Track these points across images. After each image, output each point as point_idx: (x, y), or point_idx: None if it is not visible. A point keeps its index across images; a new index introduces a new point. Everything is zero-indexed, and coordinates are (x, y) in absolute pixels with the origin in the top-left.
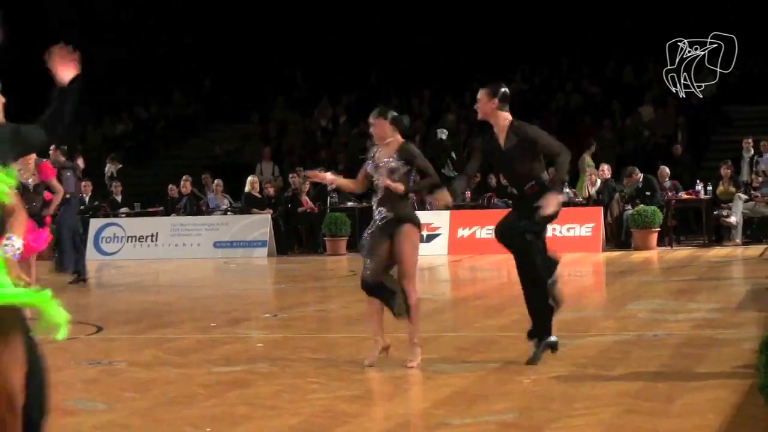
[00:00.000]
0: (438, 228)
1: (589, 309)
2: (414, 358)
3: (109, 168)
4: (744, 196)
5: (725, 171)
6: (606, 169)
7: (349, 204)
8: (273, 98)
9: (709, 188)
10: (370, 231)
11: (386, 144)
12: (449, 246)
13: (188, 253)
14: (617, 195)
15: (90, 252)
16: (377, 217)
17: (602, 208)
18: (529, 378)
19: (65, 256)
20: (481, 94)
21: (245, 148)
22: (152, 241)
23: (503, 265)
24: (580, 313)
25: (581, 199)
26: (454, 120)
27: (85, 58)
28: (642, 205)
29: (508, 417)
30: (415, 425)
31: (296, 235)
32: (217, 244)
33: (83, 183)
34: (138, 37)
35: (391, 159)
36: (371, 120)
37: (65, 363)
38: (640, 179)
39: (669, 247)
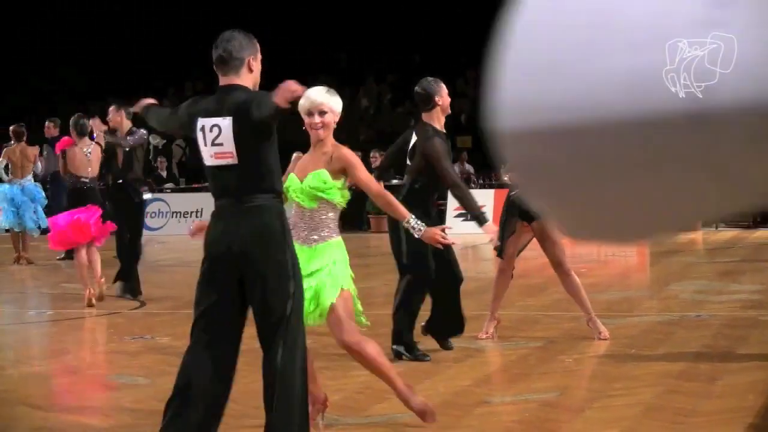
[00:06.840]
0: (483, 207)
1: (633, 289)
2: None
3: (154, 143)
4: None
5: None
6: None
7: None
8: (315, 77)
9: None
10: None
11: None
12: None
13: None
14: None
15: None
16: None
17: None
18: (570, 357)
19: None
20: None
21: (289, 126)
22: (197, 216)
23: None
24: (624, 293)
25: None
26: None
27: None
28: None
29: (549, 396)
30: (455, 403)
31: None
32: None
33: None
34: (189, 16)
35: None
36: None
37: (108, 338)
38: None
39: (713, 228)
